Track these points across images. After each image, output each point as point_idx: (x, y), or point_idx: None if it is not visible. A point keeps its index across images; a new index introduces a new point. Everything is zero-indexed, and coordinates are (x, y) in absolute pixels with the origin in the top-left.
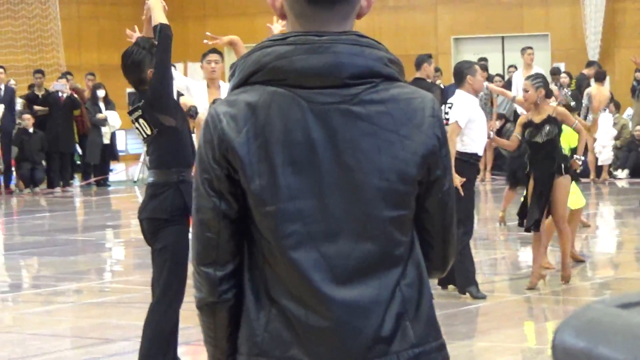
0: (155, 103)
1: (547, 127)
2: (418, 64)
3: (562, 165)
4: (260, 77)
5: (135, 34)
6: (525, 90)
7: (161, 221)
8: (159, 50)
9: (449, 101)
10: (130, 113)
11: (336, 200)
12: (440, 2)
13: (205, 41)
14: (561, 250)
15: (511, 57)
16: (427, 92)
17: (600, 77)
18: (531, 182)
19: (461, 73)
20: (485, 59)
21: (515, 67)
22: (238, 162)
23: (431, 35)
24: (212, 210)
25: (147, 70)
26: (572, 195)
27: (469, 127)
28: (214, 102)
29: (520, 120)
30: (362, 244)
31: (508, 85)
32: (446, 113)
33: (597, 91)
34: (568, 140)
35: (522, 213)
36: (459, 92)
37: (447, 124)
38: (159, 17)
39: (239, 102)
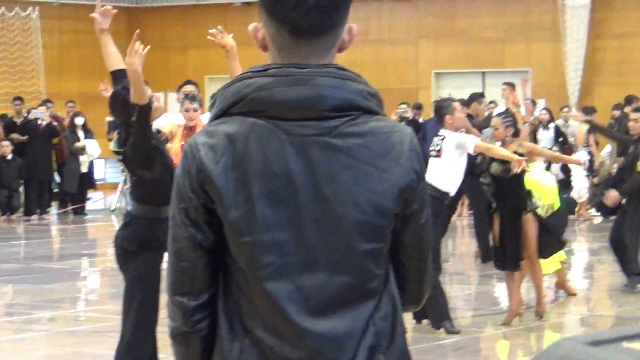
0: (133, 159)
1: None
2: (468, 102)
3: (526, 202)
4: (240, 108)
5: (106, 90)
6: (495, 128)
7: (129, 252)
8: (138, 120)
9: (440, 133)
10: (115, 151)
11: (313, 232)
12: (422, 37)
13: (209, 37)
14: (535, 286)
15: (492, 92)
16: (406, 126)
17: (586, 112)
18: (497, 221)
19: (439, 114)
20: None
21: (496, 103)
22: (216, 192)
23: (412, 69)
24: (187, 240)
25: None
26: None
27: (452, 165)
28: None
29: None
30: (338, 276)
31: (487, 120)
32: (437, 145)
33: (578, 128)
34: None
35: (496, 252)
36: (444, 131)
37: (438, 156)
38: (135, 96)
39: (218, 132)
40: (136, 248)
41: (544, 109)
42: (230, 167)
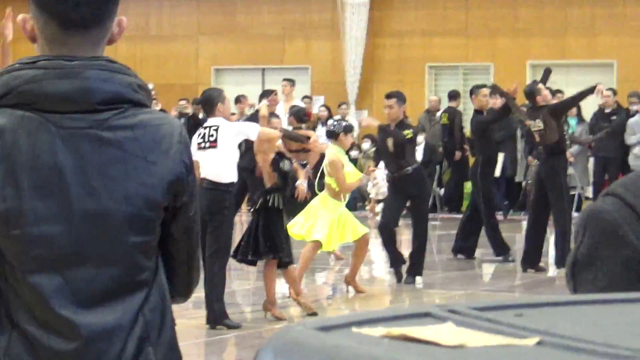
0: None
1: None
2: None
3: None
4: (8, 100)
5: None
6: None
7: None
8: None
9: (212, 124)
10: None
11: (83, 226)
12: (203, 33)
13: None
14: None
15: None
16: (174, 118)
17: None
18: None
19: (211, 102)
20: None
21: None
22: None
23: (192, 65)
24: None
25: None
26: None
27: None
28: None
29: None
30: (107, 268)
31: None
32: (211, 135)
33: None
34: None
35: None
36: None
37: (213, 147)
38: None
39: None
40: None
41: (323, 105)
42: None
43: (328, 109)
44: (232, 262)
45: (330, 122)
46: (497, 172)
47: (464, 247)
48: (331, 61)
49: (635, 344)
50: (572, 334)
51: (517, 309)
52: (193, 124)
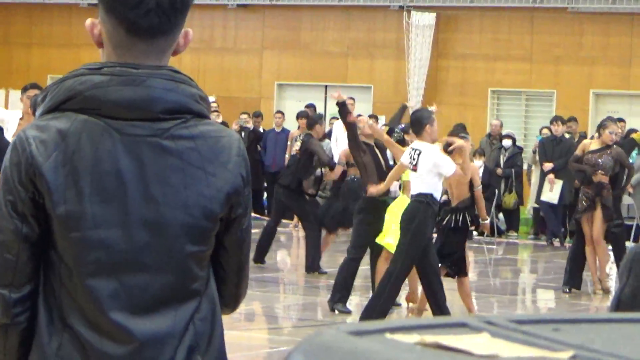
0: None
1: None
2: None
3: None
4: (73, 104)
5: None
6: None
7: None
8: None
9: (415, 147)
10: None
11: (140, 232)
12: (267, 47)
13: None
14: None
15: (334, 106)
16: (233, 131)
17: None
18: None
19: (420, 123)
20: (312, 105)
21: (337, 119)
22: (45, 186)
23: (255, 79)
24: (13, 233)
25: None
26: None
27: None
28: None
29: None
30: (162, 276)
31: (329, 134)
32: (414, 159)
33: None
34: None
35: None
36: (421, 144)
37: (414, 170)
38: None
39: (49, 127)
40: None
41: (385, 124)
42: (61, 162)
43: (392, 129)
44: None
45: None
46: (555, 200)
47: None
48: (394, 81)
49: None
50: (607, 350)
51: (555, 323)
52: (254, 138)
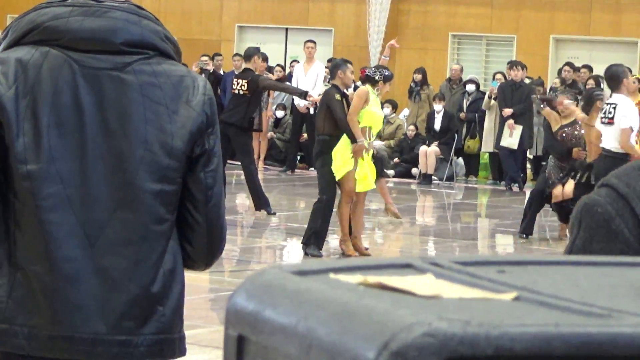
0: None
1: None
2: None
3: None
4: (34, 36)
5: None
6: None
7: None
8: None
9: (611, 101)
10: None
11: (98, 166)
12: None
13: None
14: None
15: (294, 49)
16: (198, 74)
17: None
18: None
19: (617, 77)
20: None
21: (298, 61)
22: (5, 117)
23: (216, 21)
24: None
25: None
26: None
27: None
28: None
29: None
30: (122, 213)
31: (289, 77)
32: (609, 112)
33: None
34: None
35: None
36: (619, 97)
37: (610, 123)
38: None
39: (9, 59)
40: None
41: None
42: (22, 94)
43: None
44: None
45: (370, 69)
46: (515, 145)
47: None
48: (355, 24)
49: (612, 303)
50: (550, 292)
51: (500, 265)
52: (214, 80)
